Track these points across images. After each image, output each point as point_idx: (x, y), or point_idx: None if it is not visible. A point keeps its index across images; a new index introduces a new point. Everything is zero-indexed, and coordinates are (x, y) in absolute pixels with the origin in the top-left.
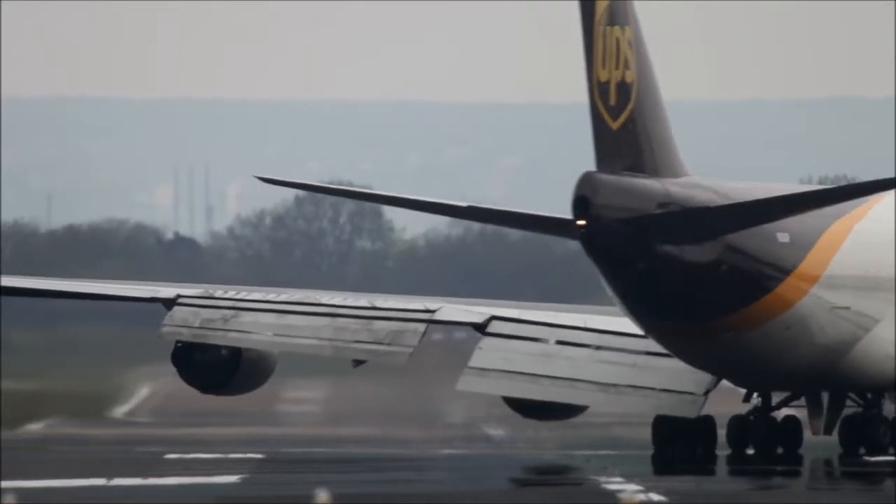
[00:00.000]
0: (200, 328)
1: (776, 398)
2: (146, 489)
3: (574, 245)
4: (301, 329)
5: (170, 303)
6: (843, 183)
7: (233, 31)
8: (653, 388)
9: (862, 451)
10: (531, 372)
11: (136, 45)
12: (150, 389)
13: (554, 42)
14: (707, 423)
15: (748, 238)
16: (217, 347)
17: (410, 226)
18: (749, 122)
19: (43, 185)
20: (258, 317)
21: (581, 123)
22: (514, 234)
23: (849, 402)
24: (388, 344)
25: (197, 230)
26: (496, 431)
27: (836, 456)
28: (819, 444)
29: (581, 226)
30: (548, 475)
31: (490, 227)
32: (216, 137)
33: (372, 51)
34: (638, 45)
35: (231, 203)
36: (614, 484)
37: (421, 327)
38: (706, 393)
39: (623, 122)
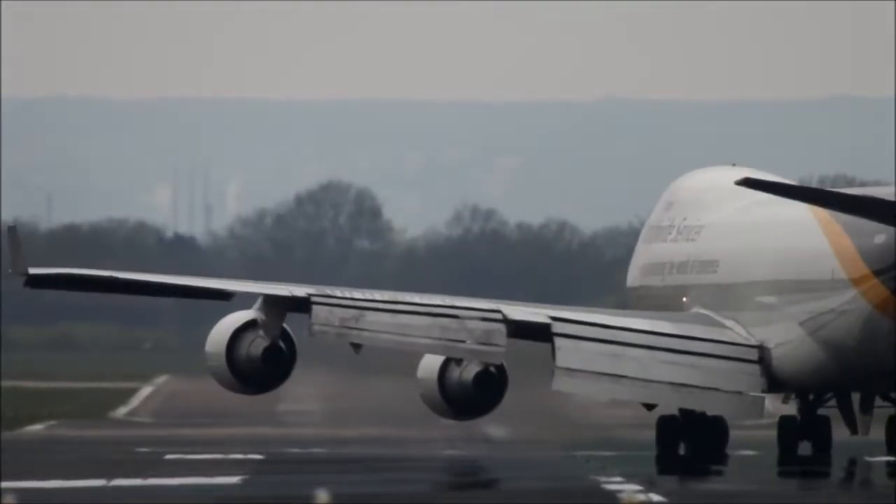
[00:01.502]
0: (341, 327)
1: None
2: (146, 489)
3: (572, 246)
4: (414, 328)
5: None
6: (842, 182)
7: (233, 32)
8: (719, 389)
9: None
10: (609, 372)
11: (137, 45)
12: (150, 389)
13: (554, 42)
14: (718, 422)
15: None
16: (276, 346)
17: (410, 226)
18: (748, 123)
19: (43, 185)
20: (378, 316)
21: (581, 123)
22: (514, 234)
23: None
24: (485, 343)
25: (197, 230)
26: (496, 431)
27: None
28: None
29: None
30: (548, 475)
31: (490, 228)
32: (216, 137)
33: (372, 51)
34: None
35: (230, 203)
36: (614, 484)
37: (503, 327)
38: (763, 394)
39: None
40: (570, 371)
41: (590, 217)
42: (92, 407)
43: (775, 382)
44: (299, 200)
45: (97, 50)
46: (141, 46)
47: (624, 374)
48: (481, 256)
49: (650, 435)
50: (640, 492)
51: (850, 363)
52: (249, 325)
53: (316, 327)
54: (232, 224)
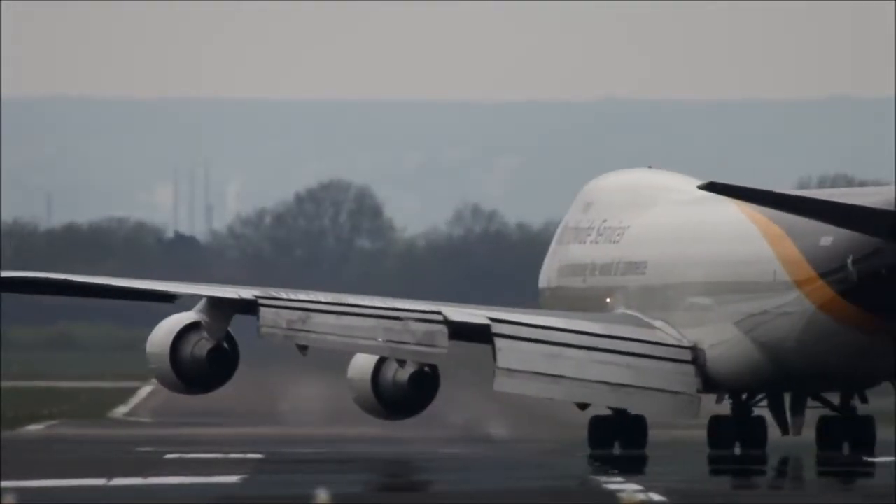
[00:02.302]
0: (288, 329)
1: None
2: (146, 489)
3: None
4: (359, 330)
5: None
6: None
7: (233, 32)
8: (656, 389)
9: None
10: (548, 372)
11: (137, 45)
12: (150, 389)
13: (554, 42)
14: (639, 421)
15: None
16: (221, 346)
17: (410, 226)
18: (748, 123)
19: (43, 184)
20: (324, 318)
21: (581, 123)
22: (515, 234)
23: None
24: (426, 345)
25: (197, 229)
26: (496, 431)
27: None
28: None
29: None
30: (548, 475)
31: (491, 228)
32: (216, 137)
33: (372, 51)
34: None
35: (231, 202)
36: (614, 484)
37: (444, 329)
38: (699, 393)
39: None
40: (511, 371)
41: None
42: (92, 407)
43: (710, 383)
44: (299, 199)
45: (97, 50)
46: (141, 46)
47: (562, 374)
48: (482, 256)
49: (650, 434)
50: (639, 491)
51: (788, 364)
52: (192, 327)
53: (264, 329)
54: (232, 223)
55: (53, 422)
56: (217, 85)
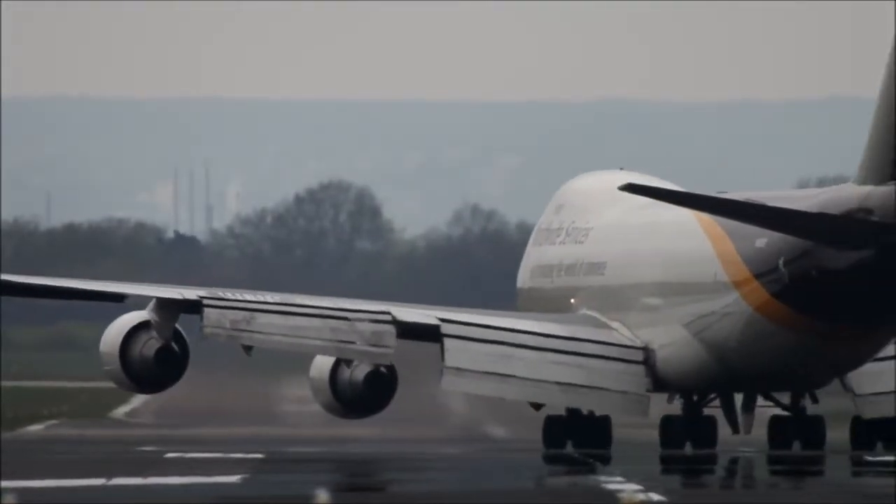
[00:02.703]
0: (232, 329)
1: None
2: (146, 489)
3: None
4: (306, 330)
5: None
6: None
7: (233, 32)
8: (606, 389)
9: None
10: (498, 372)
11: (137, 44)
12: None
13: (554, 42)
14: (604, 421)
15: None
16: (169, 347)
17: (410, 226)
18: (748, 123)
19: (43, 184)
20: (270, 318)
21: (581, 123)
22: (514, 234)
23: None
24: (374, 345)
25: (197, 229)
26: (496, 431)
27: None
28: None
29: None
30: (548, 475)
31: (490, 228)
32: (216, 137)
33: (372, 50)
34: None
35: (231, 202)
36: (614, 484)
37: (393, 329)
38: (648, 393)
39: None
40: (459, 371)
41: None
42: (92, 407)
43: (660, 383)
44: (299, 200)
45: (97, 50)
46: (141, 46)
47: (512, 373)
48: (481, 256)
49: (651, 434)
50: (640, 492)
51: (733, 365)
52: (142, 327)
53: (207, 329)
54: (232, 223)
55: (53, 422)
56: (217, 85)
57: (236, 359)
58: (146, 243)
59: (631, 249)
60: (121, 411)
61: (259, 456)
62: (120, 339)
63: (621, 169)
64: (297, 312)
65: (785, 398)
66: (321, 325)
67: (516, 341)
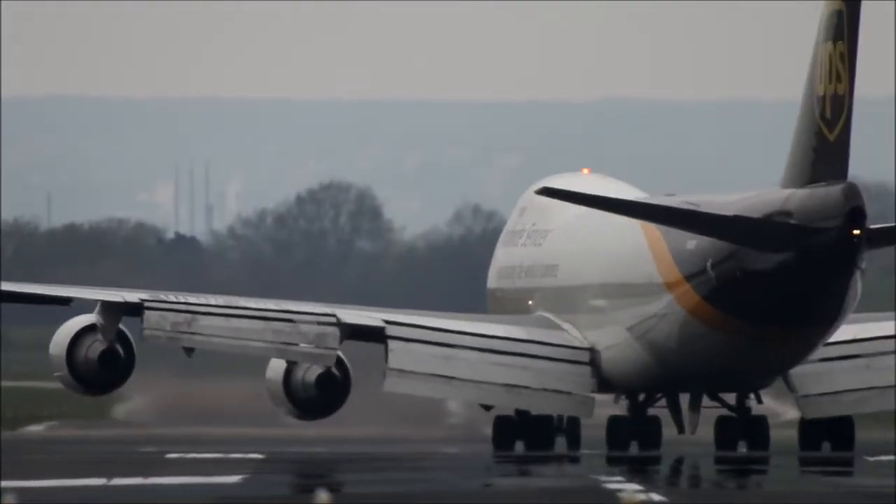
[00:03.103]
0: (173, 331)
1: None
2: (146, 489)
3: None
4: (247, 332)
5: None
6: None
7: (233, 32)
8: (551, 390)
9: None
10: (441, 374)
11: (137, 44)
12: (150, 389)
13: (554, 41)
14: (546, 421)
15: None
16: (113, 349)
17: (410, 226)
18: (748, 123)
19: (43, 184)
20: (211, 320)
21: (581, 123)
22: None
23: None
24: (318, 346)
25: (197, 229)
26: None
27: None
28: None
29: (856, 235)
30: (548, 474)
31: (491, 228)
32: (216, 137)
33: (372, 51)
34: (851, 58)
35: (231, 202)
36: (614, 484)
37: (336, 331)
38: (593, 394)
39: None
40: (402, 372)
41: None
42: (92, 407)
43: (605, 383)
44: (300, 200)
45: (97, 50)
46: (141, 46)
47: (456, 375)
48: (482, 256)
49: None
50: (640, 492)
51: (672, 366)
52: (89, 329)
53: (147, 332)
54: (232, 224)
55: (53, 422)
56: (217, 85)
57: (236, 358)
58: (146, 244)
59: (580, 251)
60: (121, 411)
61: (259, 456)
62: (67, 341)
63: (586, 171)
64: (240, 315)
65: (732, 398)
66: (263, 328)
67: (461, 343)
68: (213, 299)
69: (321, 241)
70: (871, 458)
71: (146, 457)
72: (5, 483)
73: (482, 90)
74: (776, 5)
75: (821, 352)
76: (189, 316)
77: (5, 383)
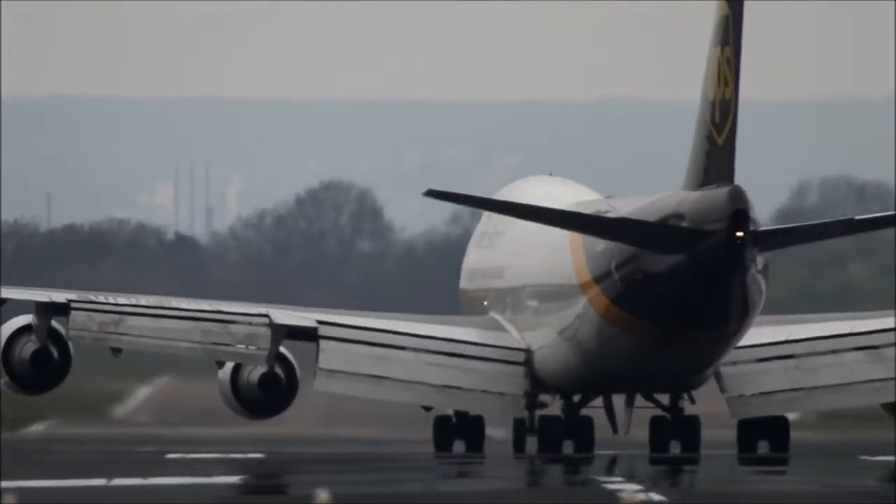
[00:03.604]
0: (99, 332)
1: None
2: (146, 489)
3: None
4: (175, 332)
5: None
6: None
7: (233, 32)
8: (482, 391)
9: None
10: (372, 374)
11: (137, 44)
12: (150, 390)
13: (554, 42)
14: (478, 421)
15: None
16: (47, 349)
17: (410, 226)
18: (747, 123)
19: (43, 184)
20: (139, 321)
21: (581, 123)
22: None
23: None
24: (248, 347)
25: (197, 230)
26: (496, 432)
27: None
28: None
29: (740, 237)
30: (548, 475)
31: None
32: (216, 137)
33: (372, 51)
34: (737, 63)
35: (231, 203)
36: (614, 484)
37: (268, 331)
38: (525, 394)
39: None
40: (332, 372)
41: None
42: (92, 407)
43: (539, 384)
44: (300, 201)
45: (97, 49)
46: (141, 46)
47: (387, 375)
48: None
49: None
50: (640, 491)
51: (594, 367)
52: (25, 330)
53: (72, 332)
54: (233, 225)
55: (53, 422)
56: (217, 85)
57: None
58: (147, 245)
59: (521, 254)
60: (120, 411)
61: (259, 456)
62: (3, 341)
63: (550, 174)
64: (169, 315)
65: (677, 399)
66: (192, 328)
67: (395, 343)
68: (143, 300)
69: (321, 242)
70: (871, 458)
71: (146, 457)
72: (5, 483)
73: (482, 90)
74: (776, 5)
75: (753, 352)
76: (116, 316)
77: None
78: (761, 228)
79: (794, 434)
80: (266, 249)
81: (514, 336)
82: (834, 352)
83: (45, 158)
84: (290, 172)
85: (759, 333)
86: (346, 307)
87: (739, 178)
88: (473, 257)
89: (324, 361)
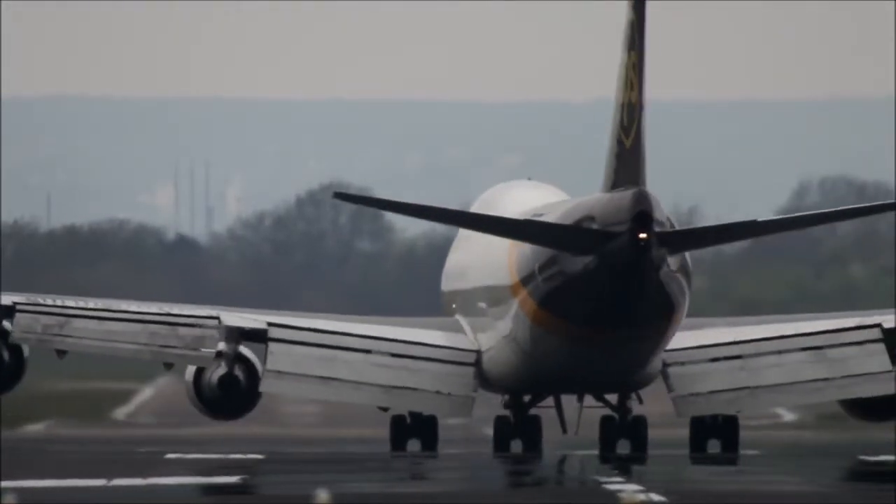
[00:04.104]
0: (44, 334)
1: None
2: (146, 489)
3: None
4: (122, 334)
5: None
6: (842, 183)
7: (233, 31)
8: (430, 391)
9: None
10: (319, 375)
11: (136, 44)
12: (151, 390)
13: (554, 42)
14: (432, 420)
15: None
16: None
17: (410, 226)
18: (748, 123)
19: (43, 184)
20: (85, 323)
21: (581, 123)
22: None
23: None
24: (195, 349)
25: (198, 230)
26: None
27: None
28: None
29: (642, 238)
30: (548, 475)
31: None
32: (216, 137)
33: (372, 51)
34: (641, 68)
35: (231, 203)
36: (614, 484)
37: (216, 333)
38: (475, 392)
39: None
40: (280, 374)
41: None
42: (92, 407)
43: (488, 384)
44: (300, 202)
45: (97, 50)
46: (141, 46)
47: (335, 376)
48: None
49: (651, 434)
50: (640, 492)
51: (531, 368)
52: None
53: (17, 334)
54: (232, 226)
55: (53, 422)
56: (217, 85)
57: None
58: (147, 245)
59: (478, 256)
60: (121, 412)
61: (259, 456)
62: None
63: (529, 179)
64: (116, 318)
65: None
66: (139, 330)
67: (345, 345)
68: (91, 302)
69: (321, 242)
70: (871, 458)
71: (146, 457)
72: (5, 483)
73: (482, 90)
74: (776, 5)
75: (701, 353)
76: (62, 319)
77: None
78: (667, 230)
79: (794, 434)
80: (266, 250)
81: (468, 338)
82: (779, 352)
83: (45, 158)
84: (290, 173)
85: (707, 335)
86: (346, 308)
87: (740, 178)
88: (449, 260)
89: (271, 363)
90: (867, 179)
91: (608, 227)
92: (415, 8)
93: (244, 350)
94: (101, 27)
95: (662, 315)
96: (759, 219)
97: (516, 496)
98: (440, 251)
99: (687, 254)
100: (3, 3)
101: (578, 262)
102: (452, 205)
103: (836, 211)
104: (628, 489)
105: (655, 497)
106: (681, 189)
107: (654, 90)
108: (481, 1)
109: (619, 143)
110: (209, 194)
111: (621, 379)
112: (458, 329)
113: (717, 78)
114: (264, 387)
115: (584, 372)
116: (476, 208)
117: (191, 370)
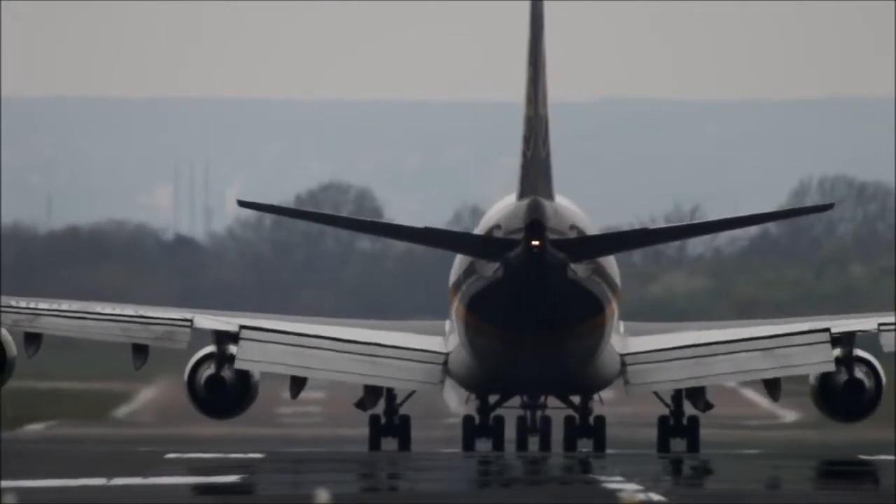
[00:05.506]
0: (14, 326)
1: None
2: (146, 489)
3: None
4: (93, 328)
5: None
6: (842, 183)
7: (233, 31)
8: (400, 378)
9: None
10: (290, 363)
11: (136, 44)
12: (151, 390)
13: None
14: (405, 420)
15: (608, 258)
16: None
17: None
18: (749, 123)
19: (43, 184)
20: (57, 321)
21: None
22: None
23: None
24: (168, 339)
25: (197, 231)
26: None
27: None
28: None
29: (534, 245)
30: (548, 475)
31: None
32: (216, 138)
33: (372, 51)
34: (538, 82)
35: (231, 203)
36: (614, 484)
37: (187, 332)
38: (441, 383)
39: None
40: (251, 362)
41: (590, 217)
42: (92, 407)
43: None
44: (300, 202)
45: (97, 50)
46: (141, 46)
47: (307, 366)
48: None
49: (651, 434)
50: (640, 491)
51: (480, 371)
52: None
53: None
54: (232, 225)
55: (53, 422)
56: (217, 85)
57: None
58: (147, 245)
59: (460, 260)
60: (121, 411)
61: (259, 456)
62: None
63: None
64: (90, 318)
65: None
66: (112, 327)
67: (314, 345)
68: (66, 304)
69: (321, 242)
70: (871, 458)
71: (146, 457)
72: (5, 483)
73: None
74: (777, 5)
75: (661, 354)
76: (32, 317)
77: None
78: (562, 238)
79: (794, 434)
80: (265, 250)
81: (441, 340)
82: (733, 352)
83: (45, 159)
84: (290, 173)
85: (668, 339)
86: (346, 307)
87: (741, 178)
88: (455, 262)
89: (241, 354)
90: (867, 179)
91: (508, 234)
92: (414, 8)
93: (234, 350)
94: (101, 27)
95: (581, 318)
96: (650, 227)
97: (517, 496)
98: (439, 251)
99: (612, 257)
100: (3, 3)
101: (489, 269)
102: (452, 205)
103: (730, 219)
104: (628, 489)
105: (655, 497)
106: (683, 189)
107: (654, 91)
108: (481, 1)
109: (523, 154)
110: (208, 194)
111: (569, 380)
112: (438, 332)
113: (718, 79)
114: (238, 364)
115: (525, 374)
116: (485, 215)
117: (187, 369)
